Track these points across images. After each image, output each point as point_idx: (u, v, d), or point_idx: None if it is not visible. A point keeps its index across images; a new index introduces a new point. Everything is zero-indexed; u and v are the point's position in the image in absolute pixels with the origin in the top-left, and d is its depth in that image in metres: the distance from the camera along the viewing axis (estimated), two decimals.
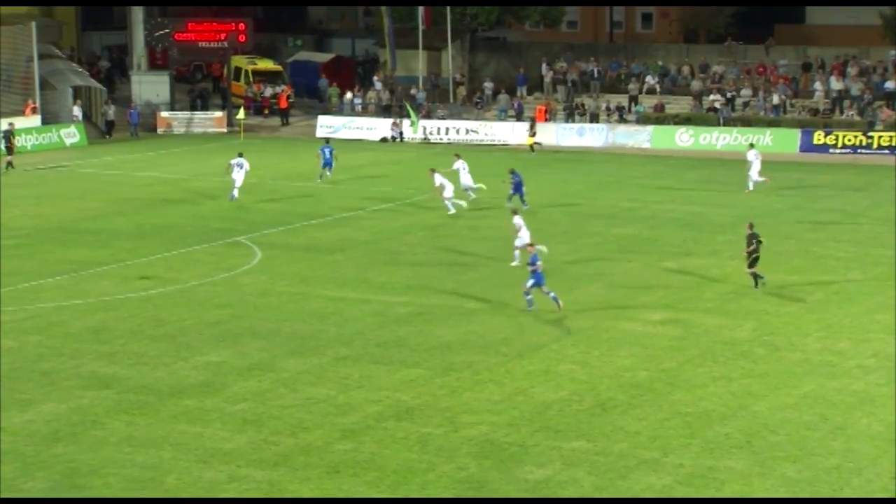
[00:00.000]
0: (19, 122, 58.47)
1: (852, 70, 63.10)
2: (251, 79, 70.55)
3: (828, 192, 48.04)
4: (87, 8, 79.17)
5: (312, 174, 50.28)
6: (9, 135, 53.55)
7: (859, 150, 56.90)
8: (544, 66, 68.19)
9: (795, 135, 58.31)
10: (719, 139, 59.06)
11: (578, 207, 38.76)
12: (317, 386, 25.26)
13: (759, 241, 32.25)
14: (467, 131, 61.58)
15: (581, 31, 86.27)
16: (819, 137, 57.76)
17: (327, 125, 64.19)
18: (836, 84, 62.30)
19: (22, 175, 51.74)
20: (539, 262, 30.28)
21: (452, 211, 41.88)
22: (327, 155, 48.77)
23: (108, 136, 63.11)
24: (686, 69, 66.76)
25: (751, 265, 32.47)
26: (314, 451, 21.90)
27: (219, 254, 37.17)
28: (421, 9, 66.90)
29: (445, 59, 69.11)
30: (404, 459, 21.56)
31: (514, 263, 34.18)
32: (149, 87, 66.96)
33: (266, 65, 72.04)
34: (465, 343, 28.25)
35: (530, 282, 30.34)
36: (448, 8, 65.94)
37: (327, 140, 53.88)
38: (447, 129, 61.97)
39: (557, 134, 61.15)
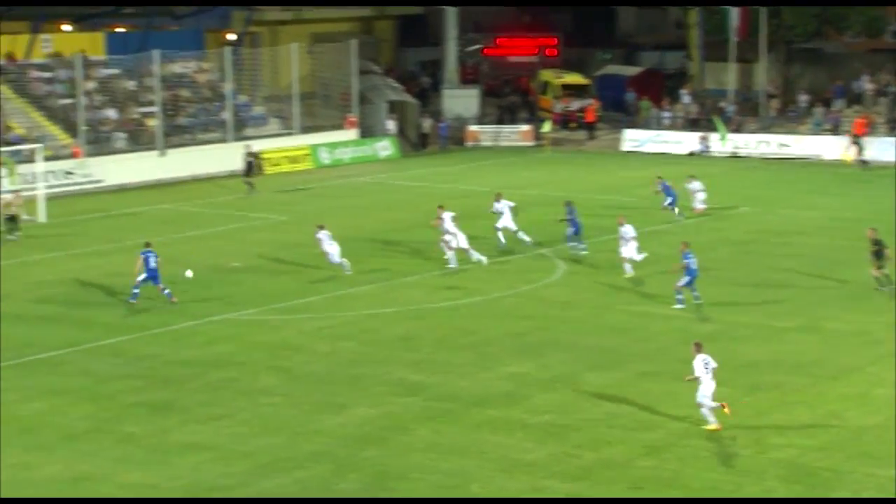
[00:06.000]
0: (338, 136, 61.40)
1: None
2: (559, 93, 71.03)
3: None
4: (404, 25, 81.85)
5: (617, 188, 49.96)
6: (255, 156, 51.98)
7: None
8: (865, 77, 65.34)
9: None
10: None
11: None
12: (618, 401, 25.06)
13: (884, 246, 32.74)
14: (779, 145, 59.75)
15: None
16: None
17: (633, 139, 63.75)
18: None
19: (338, 187, 53.99)
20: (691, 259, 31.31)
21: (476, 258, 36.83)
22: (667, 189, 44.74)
23: (423, 149, 65.06)
24: None
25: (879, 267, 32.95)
26: (616, 466, 21.72)
27: (522, 266, 37.51)
28: (735, 21, 65.46)
29: (757, 71, 67.35)
30: (709, 479, 21.07)
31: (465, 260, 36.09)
32: (459, 101, 68.58)
33: (573, 78, 72.32)
34: (773, 363, 27.36)
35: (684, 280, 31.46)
36: (764, 20, 64.20)
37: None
38: (758, 143, 60.32)
39: (878, 148, 58.42)
